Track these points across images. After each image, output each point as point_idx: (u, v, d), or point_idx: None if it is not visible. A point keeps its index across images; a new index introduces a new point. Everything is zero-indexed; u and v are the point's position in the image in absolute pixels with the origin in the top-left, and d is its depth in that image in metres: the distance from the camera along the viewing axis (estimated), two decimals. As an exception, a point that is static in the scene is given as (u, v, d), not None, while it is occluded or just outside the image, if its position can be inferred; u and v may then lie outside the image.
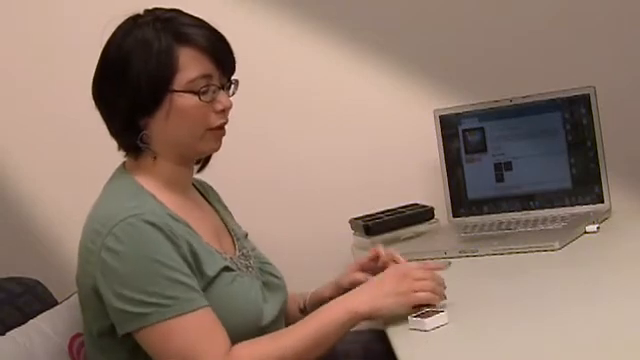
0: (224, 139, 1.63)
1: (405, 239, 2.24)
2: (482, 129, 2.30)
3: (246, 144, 2.31)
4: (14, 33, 2.43)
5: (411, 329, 1.54)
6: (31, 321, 1.75)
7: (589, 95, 2.17)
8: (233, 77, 1.62)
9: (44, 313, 1.79)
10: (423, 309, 1.55)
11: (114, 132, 1.60)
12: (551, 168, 2.23)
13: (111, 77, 1.57)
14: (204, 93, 1.55)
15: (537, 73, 2.41)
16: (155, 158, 1.58)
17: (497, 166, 2.29)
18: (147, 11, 1.59)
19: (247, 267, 1.66)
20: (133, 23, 1.57)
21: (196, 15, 1.61)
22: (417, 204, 2.34)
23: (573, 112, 2.20)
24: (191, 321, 1.46)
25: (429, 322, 1.52)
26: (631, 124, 2.39)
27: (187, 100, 1.55)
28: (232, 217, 1.81)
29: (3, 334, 1.70)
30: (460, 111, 2.32)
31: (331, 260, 2.38)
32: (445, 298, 1.58)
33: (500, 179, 2.29)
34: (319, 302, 1.72)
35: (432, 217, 2.30)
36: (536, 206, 2.24)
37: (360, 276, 1.74)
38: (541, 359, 1.35)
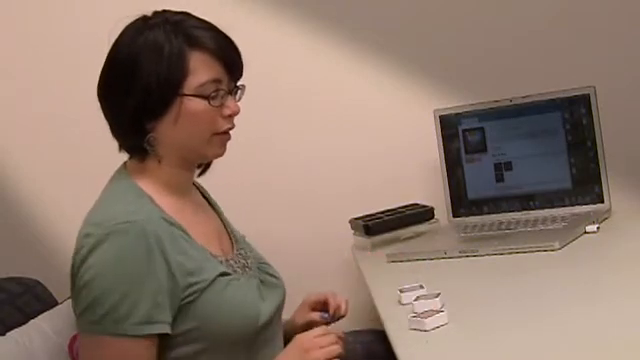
0: None
1: (405, 239, 2.24)
2: (482, 129, 2.30)
3: (246, 144, 2.29)
4: (14, 33, 2.43)
5: (411, 329, 1.54)
6: (31, 321, 1.75)
7: (589, 95, 2.17)
8: (240, 82, 1.62)
9: (44, 313, 1.79)
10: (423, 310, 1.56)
11: (119, 133, 1.59)
12: (551, 168, 2.23)
13: (119, 78, 1.55)
14: (214, 98, 1.55)
15: (537, 73, 2.41)
16: (159, 161, 1.58)
17: (497, 166, 2.29)
18: (156, 13, 1.58)
19: (244, 267, 1.65)
20: (143, 24, 1.56)
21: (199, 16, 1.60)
22: (417, 204, 2.34)
23: (573, 112, 2.20)
24: (124, 345, 1.44)
25: (429, 322, 1.52)
26: (631, 124, 2.39)
27: (196, 104, 1.54)
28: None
29: (3, 334, 1.70)
30: (460, 111, 2.32)
31: (331, 260, 2.39)
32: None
33: (500, 179, 2.29)
34: None
35: (432, 217, 2.30)
36: (536, 206, 2.24)
37: (315, 315, 1.75)
38: (541, 359, 1.35)
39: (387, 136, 2.46)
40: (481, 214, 2.30)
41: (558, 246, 1.92)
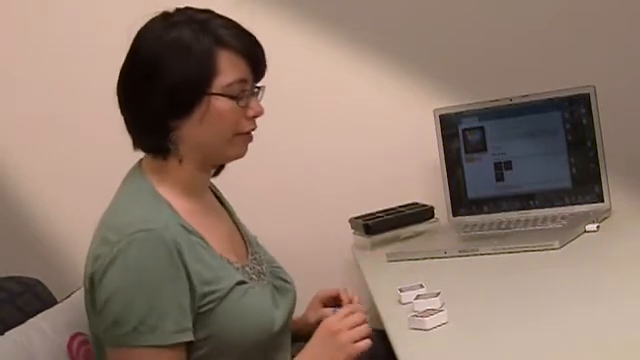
0: None
1: (405, 238, 2.24)
2: (482, 128, 2.30)
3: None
4: (14, 33, 2.43)
5: (411, 328, 1.54)
6: (30, 320, 1.75)
7: (589, 95, 2.17)
8: (260, 83, 1.61)
9: (43, 312, 1.79)
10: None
11: (139, 131, 1.56)
12: (551, 168, 2.23)
13: (144, 76, 1.52)
14: (241, 98, 1.54)
15: (537, 73, 2.41)
16: (180, 161, 1.55)
17: (497, 165, 2.29)
18: (178, 10, 1.56)
19: (259, 273, 1.64)
20: (166, 22, 1.53)
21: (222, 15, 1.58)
22: (417, 203, 2.34)
23: (573, 112, 2.20)
24: (159, 355, 1.43)
25: (429, 321, 1.52)
26: (631, 124, 2.39)
27: (223, 104, 1.53)
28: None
29: (2, 334, 1.69)
30: (460, 110, 2.32)
31: (331, 259, 2.39)
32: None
33: (500, 178, 2.29)
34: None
35: (432, 216, 2.30)
36: (536, 205, 2.23)
37: (327, 311, 1.73)
38: (541, 358, 1.35)
39: (387, 136, 2.46)
40: (481, 213, 2.29)
41: (558, 245, 1.92)
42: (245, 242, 1.70)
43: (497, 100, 2.28)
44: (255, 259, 1.67)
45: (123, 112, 1.57)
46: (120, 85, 1.57)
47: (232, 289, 1.51)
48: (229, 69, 1.53)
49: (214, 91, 1.52)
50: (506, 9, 2.44)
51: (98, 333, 1.53)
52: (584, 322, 1.46)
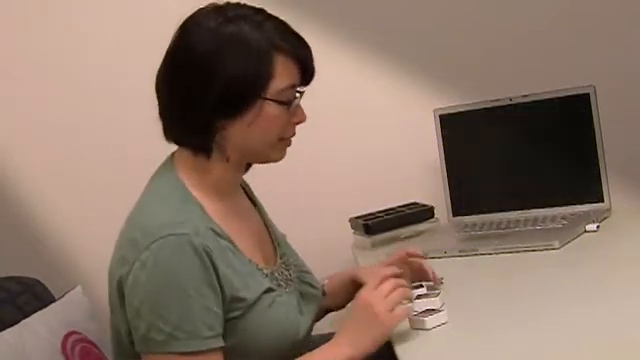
0: None
1: (405, 238, 2.24)
2: (482, 128, 2.30)
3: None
4: (14, 33, 2.43)
5: (411, 328, 1.54)
6: (24, 320, 1.73)
7: (589, 95, 2.17)
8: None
9: (37, 312, 1.78)
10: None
11: (185, 129, 1.50)
12: (551, 168, 2.22)
13: (195, 70, 1.45)
14: (290, 104, 1.51)
15: (537, 73, 2.41)
16: (227, 160, 1.51)
17: (497, 165, 2.29)
18: (230, 4, 1.49)
19: (287, 280, 1.61)
20: (221, 16, 1.46)
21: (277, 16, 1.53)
22: (417, 203, 2.35)
23: (573, 112, 2.20)
24: None
25: (429, 321, 1.52)
26: (631, 124, 2.39)
27: (274, 109, 1.49)
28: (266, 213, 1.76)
29: (1, 333, 1.69)
30: (460, 110, 2.32)
31: (331, 259, 2.38)
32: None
33: (500, 178, 2.29)
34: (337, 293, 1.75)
35: (432, 216, 2.30)
36: (536, 205, 2.23)
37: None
38: (541, 358, 1.35)
39: (387, 136, 2.46)
40: (481, 213, 2.29)
41: (558, 245, 1.92)
42: (274, 244, 1.67)
43: (497, 100, 2.28)
44: (284, 263, 1.64)
45: (167, 109, 1.51)
46: (165, 81, 1.50)
47: (260, 298, 1.49)
48: (284, 74, 1.48)
49: (268, 96, 1.47)
50: (506, 9, 2.45)
51: (121, 329, 1.49)
52: (584, 322, 1.46)
